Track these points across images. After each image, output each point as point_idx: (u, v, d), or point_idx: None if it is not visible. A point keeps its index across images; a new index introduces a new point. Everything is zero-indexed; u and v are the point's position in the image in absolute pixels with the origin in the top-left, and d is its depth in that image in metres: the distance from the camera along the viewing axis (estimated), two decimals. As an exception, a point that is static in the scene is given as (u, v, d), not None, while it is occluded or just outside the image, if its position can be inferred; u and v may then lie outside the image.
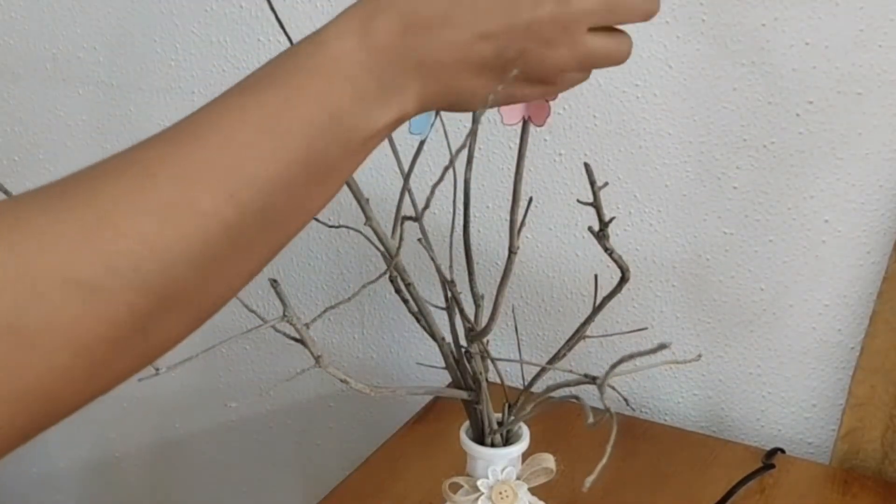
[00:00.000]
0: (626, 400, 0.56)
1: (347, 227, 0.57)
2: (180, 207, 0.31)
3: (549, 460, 0.58)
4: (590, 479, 0.39)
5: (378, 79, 0.36)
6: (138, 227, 0.30)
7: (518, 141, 0.51)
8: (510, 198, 0.52)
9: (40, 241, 0.29)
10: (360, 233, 0.56)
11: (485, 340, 0.56)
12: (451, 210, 0.57)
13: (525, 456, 0.59)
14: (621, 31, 0.40)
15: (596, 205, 0.48)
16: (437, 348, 0.58)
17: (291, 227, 0.36)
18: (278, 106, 0.34)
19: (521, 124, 0.49)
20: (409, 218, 0.54)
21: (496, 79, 0.38)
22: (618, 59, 0.41)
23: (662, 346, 0.39)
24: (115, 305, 0.30)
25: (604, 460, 0.39)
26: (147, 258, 0.30)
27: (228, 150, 0.32)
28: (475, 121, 0.49)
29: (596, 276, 0.56)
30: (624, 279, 0.51)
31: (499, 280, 0.53)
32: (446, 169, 0.51)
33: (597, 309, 0.54)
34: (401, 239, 0.54)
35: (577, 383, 0.53)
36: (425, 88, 0.37)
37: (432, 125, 0.50)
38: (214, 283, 0.33)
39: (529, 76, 0.39)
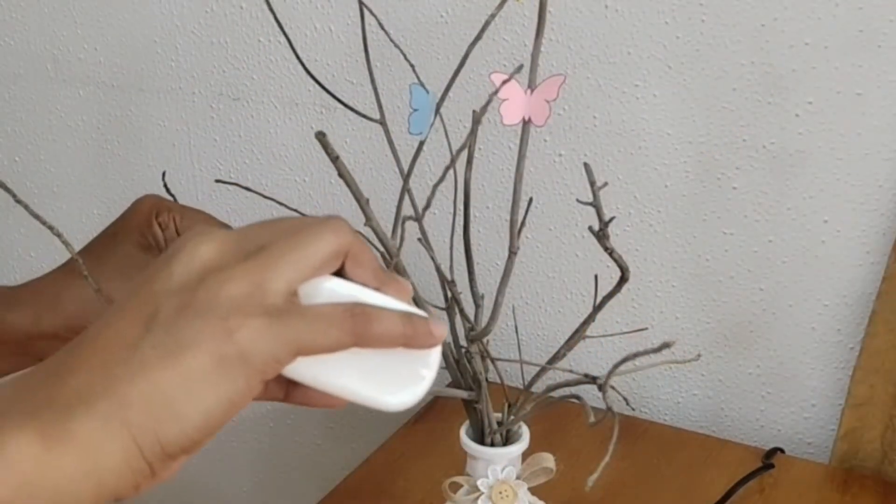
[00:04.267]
0: (626, 400, 0.56)
1: (347, 227, 0.57)
2: None
3: (549, 460, 0.58)
4: (592, 478, 0.39)
5: None
6: None
7: (518, 141, 0.51)
8: (510, 198, 0.52)
9: None
10: (360, 233, 0.56)
11: (485, 340, 0.56)
12: (452, 210, 0.57)
13: (525, 456, 0.59)
14: None
15: (596, 205, 0.48)
16: (437, 348, 0.58)
17: None
18: None
19: (521, 124, 0.49)
20: (410, 218, 0.54)
21: None
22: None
23: (666, 345, 0.39)
24: None
25: (606, 458, 0.39)
26: None
27: None
28: (475, 121, 0.49)
29: (596, 276, 0.56)
30: (624, 279, 0.51)
31: (499, 280, 0.53)
32: (447, 169, 0.51)
33: (597, 309, 0.54)
34: (401, 239, 0.54)
35: (577, 383, 0.53)
36: None
37: (432, 125, 0.50)
38: None
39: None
